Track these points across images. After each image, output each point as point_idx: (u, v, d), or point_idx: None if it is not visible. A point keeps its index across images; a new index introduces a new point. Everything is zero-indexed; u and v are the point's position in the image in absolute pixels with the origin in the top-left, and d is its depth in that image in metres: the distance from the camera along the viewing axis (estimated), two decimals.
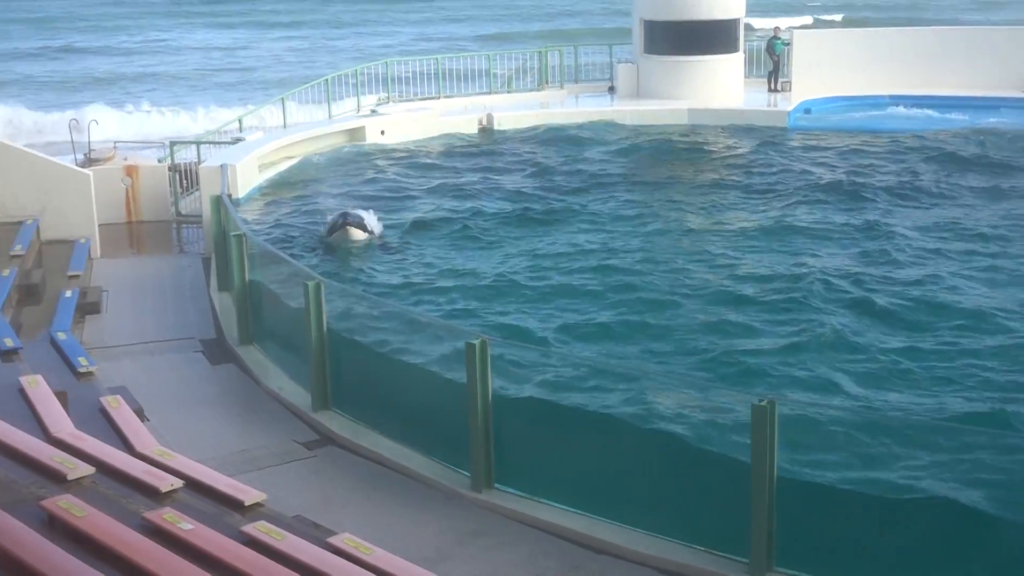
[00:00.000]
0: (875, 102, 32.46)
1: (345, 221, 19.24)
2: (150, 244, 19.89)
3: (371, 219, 19.98)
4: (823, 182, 24.29)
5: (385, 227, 20.46)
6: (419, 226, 20.88)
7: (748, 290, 16.92)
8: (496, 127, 30.23)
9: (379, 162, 26.55)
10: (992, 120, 30.09)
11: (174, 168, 21.58)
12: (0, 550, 6.39)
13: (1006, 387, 13.14)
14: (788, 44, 32.91)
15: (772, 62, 33.35)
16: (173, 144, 22.40)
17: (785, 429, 8.43)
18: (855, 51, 32.92)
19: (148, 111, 45.97)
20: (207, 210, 17.68)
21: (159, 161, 21.97)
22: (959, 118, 30.21)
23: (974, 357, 14.05)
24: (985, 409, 12.35)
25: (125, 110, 45.86)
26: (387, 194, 23.28)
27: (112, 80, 58.73)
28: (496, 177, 25.21)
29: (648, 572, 8.62)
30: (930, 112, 31.03)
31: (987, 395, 12.88)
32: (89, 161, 21.14)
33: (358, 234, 19.31)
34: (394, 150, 27.76)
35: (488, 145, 28.89)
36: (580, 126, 30.31)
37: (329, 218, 19.76)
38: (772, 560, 8.37)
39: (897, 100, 32.23)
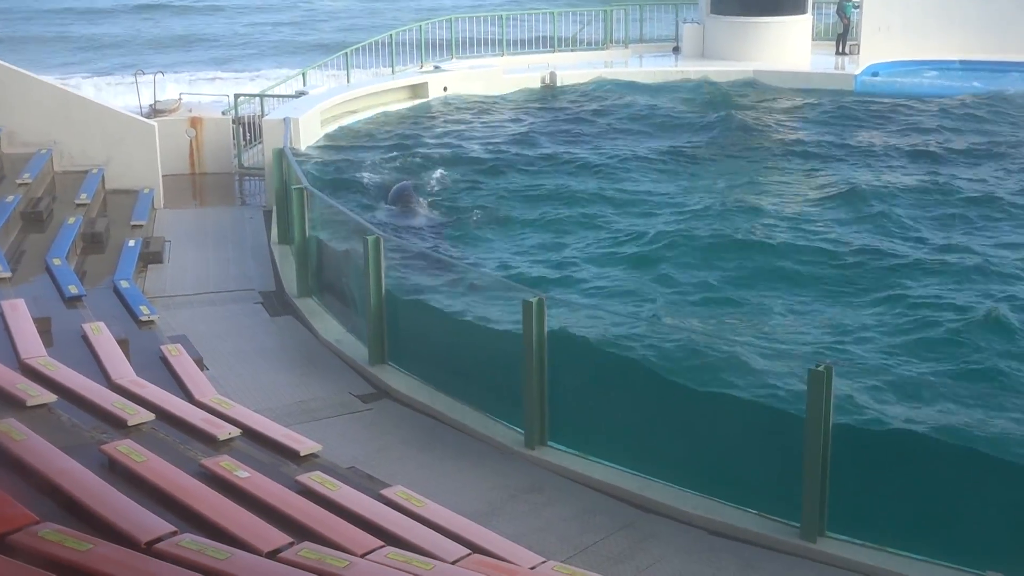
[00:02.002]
0: (945, 66, 31.85)
1: (407, 194, 19.18)
2: (212, 196, 20.07)
3: (436, 178, 19.91)
4: (889, 145, 23.94)
5: (448, 184, 20.45)
6: (479, 184, 20.84)
7: (809, 256, 16.73)
8: (559, 84, 30.04)
9: (441, 119, 26.52)
10: None
11: (237, 121, 21.71)
12: (61, 492, 6.52)
13: None
14: (858, 7, 32.30)
15: (842, 24, 32.77)
16: (237, 97, 22.53)
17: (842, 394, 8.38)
18: (926, 14, 32.21)
19: (211, 78, 46.14)
20: (269, 163, 17.81)
21: (223, 114, 22.10)
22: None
23: None
24: None
25: (188, 72, 46.11)
26: (447, 151, 23.25)
27: (176, 43, 58.80)
28: (559, 134, 25.09)
29: (697, 532, 8.62)
30: (997, 76, 30.41)
31: None
32: (154, 112, 21.32)
33: (419, 206, 19.23)
34: (457, 107, 27.69)
35: (551, 102, 28.74)
36: (644, 86, 30.04)
37: (394, 188, 19.66)
38: (823, 524, 8.34)
39: (968, 65, 31.59)
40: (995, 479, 8.43)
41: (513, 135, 24.88)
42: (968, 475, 8.46)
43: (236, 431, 8.62)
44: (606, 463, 9.63)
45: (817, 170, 22.40)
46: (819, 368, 8.15)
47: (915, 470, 8.53)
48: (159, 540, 5.96)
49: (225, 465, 7.55)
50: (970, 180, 21.20)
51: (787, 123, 27.08)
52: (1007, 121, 26.27)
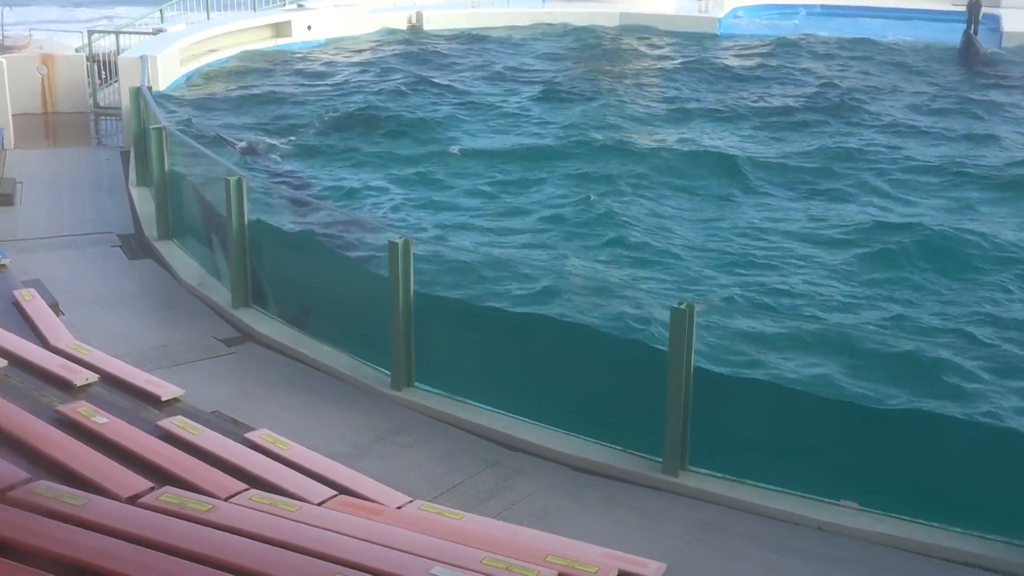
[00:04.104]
0: (807, 10, 32.52)
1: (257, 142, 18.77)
2: (67, 136, 19.39)
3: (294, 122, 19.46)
4: (747, 88, 24.41)
5: (313, 126, 20.13)
6: (341, 127, 20.58)
7: (675, 196, 17.01)
8: (425, 26, 29.79)
9: (304, 59, 26.07)
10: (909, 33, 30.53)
11: (92, 58, 21.00)
12: None
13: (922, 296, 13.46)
14: None
15: None
16: (91, 33, 21.75)
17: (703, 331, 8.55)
18: None
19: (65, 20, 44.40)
20: (126, 102, 17.26)
21: (76, 51, 21.32)
22: (887, 26, 30.52)
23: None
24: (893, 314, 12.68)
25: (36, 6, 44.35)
26: (310, 93, 22.88)
27: None
28: (423, 76, 24.90)
29: (563, 469, 8.74)
30: (856, 20, 31.24)
31: (903, 304, 13.18)
32: (2, 48, 20.46)
33: (275, 151, 18.80)
34: (319, 46, 27.25)
35: (416, 44, 28.47)
36: (510, 28, 29.98)
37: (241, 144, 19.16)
38: (685, 459, 8.53)
39: (829, 9, 32.32)
40: (849, 414, 8.74)
41: (376, 77, 24.62)
42: (822, 410, 8.74)
43: (94, 377, 8.39)
44: (473, 403, 9.68)
45: (674, 112, 22.71)
46: (681, 306, 8.28)
47: (772, 405, 8.76)
48: (12, 488, 5.78)
49: (82, 411, 7.36)
50: (833, 120, 21.79)
51: (650, 65, 27.35)
52: (870, 64, 27.00)
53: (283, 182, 17.21)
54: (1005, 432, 9.56)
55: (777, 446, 8.56)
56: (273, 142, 19.06)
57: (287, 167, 18.37)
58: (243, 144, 18.90)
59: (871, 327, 12.32)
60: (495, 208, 16.34)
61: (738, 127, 21.57)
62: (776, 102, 23.49)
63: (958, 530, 7.72)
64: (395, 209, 16.27)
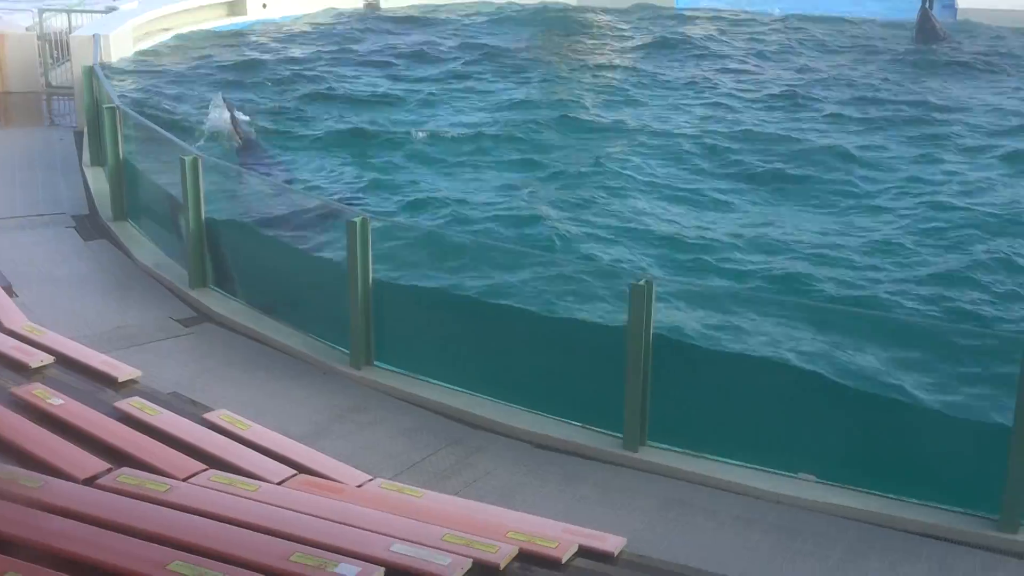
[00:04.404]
0: None
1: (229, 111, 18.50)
2: (18, 116, 19.12)
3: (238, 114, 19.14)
4: (710, 60, 24.52)
5: (260, 113, 19.94)
6: (296, 108, 20.45)
7: (631, 168, 17.04)
8: (383, 4, 29.63)
9: (258, 38, 25.86)
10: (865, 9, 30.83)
11: (43, 37, 20.71)
12: None
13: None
14: None
15: None
16: (42, 12, 21.45)
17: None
18: None
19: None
20: (79, 81, 17.05)
21: (27, 29, 21.02)
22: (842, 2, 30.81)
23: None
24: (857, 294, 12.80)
25: None
26: (265, 74, 22.69)
27: None
28: (377, 57, 24.78)
29: (524, 446, 8.75)
30: None
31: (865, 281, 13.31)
32: None
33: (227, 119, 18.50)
34: (275, 25, 27.03)
35: (372, 23, 28.32)
36: (467, 5, 29.91)
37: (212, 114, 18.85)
38: (644, 435, 8.57)
39: None
40: (807, 387, 8.83)
41: (332, 57, 24.47)
42: (778, 385, 8.82)
43: (50, 358, 8.33)
44: (433, 381, 9.67)
45: (637, 86, 22.76)
46: (641, 283, 8.31)
47: (729, 379, 8.82)
48: None
49: (38, 393, 7.30)
50: (786, 94, 21.91)
51: (609, 40, 27.37)
52: (826, 39, 27.19)
53: (248, 164, 17.04)
54: (960, 405, 9.70)
55: (735, 420, 8.61)
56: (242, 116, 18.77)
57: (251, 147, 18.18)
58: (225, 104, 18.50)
59: (826, 299, 12.42)
60: (454, 188, 16.31)
61: (696, 102, 21.64)
62: (733, 76, 23.59)
63: (915, 501, 7.81)
64: (356, 190, 16.19)
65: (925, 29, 28.80)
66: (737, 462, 8.34)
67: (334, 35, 26.82)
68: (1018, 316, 12.28)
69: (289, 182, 16.05)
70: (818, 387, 8.82)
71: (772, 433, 8.48)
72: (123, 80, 20.35)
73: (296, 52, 24.70)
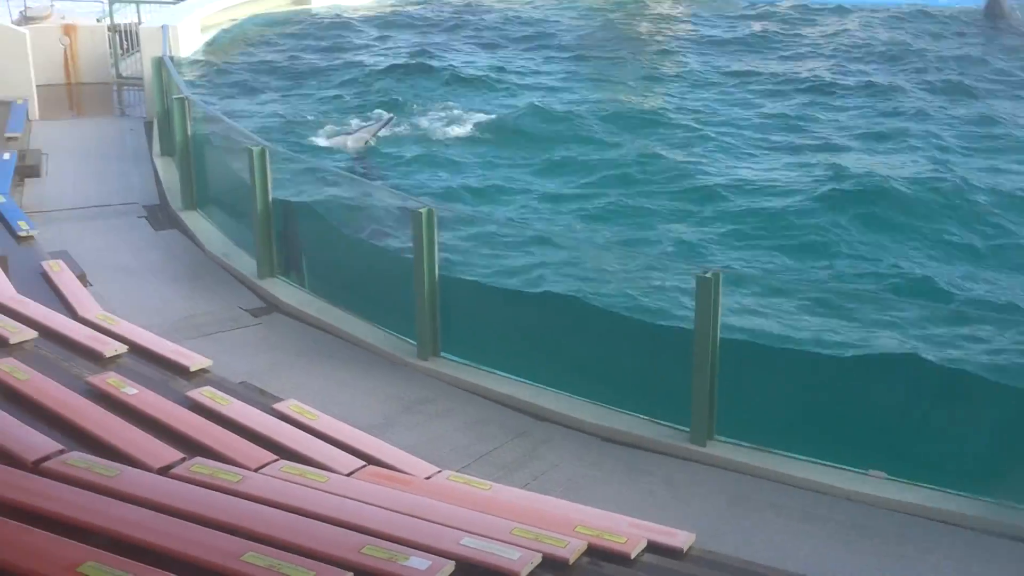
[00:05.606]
0: None
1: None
2: (90, 106, 19.43)
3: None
4: (771, 54, 24.23)
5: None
6: (370, 96, 20.50)
7: (694, 162, 16.92)
8: None
9: (323, 26, 25.97)
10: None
11: (114, 28, 21.01)
12: None
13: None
14: None
15: None
16: (113, 3, 21.74)
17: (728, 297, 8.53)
18: None
19: None
20: (148, 72, 17.28)
21: (98, 21, 21.32)
22: None
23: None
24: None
25: None
26: (331, 61, 22.78)
27: None
28: (441, 44, 24.77)
29: (589, 439, 8.74)
30: None
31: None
32: (25, 20, 20.49)
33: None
34: (339, 13, 27.13)
35: (434, 9, 28.30)
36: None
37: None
38: (712, 429, 8.52)
39: None
40: (876, 381, 8.72)
41: (401, 43, 24.50)
42: (850, 378, 8.72)
43: (123, 348, 8.44)
44: (499, 373, 9.68)
45: (700, 78, 22.56)
46: (707, 275, 8.25)
47: (798, 373, 8.74)
48: (46, 459, 5.84)
49: (112, 382, 7.40)
50: (854, 85, 21.57)
51: (672, 32, 27.16)
52: (893, 27, 26.73)
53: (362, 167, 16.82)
54: None
55: (804, 415, 8.54)
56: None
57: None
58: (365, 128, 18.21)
59: (894, 293, 12.25)
60: (521, 179, 16.27)
61: (759, 92, 21.40)
62: (797, 67, 23.29)
63: (987, 500, 7.69)
64: (428, 177, 16.21)
65: (994, 13, 28.31)
66: (806, 457, 8.26)
67: (398, 22, 26.85)
68: None
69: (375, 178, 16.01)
70: (889, 382, 8.69)
71: (841, 428, 8.39)
72: (191, 70, 20.56)
73: (362, 39, 24.75)
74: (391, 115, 18.08)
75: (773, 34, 26.86)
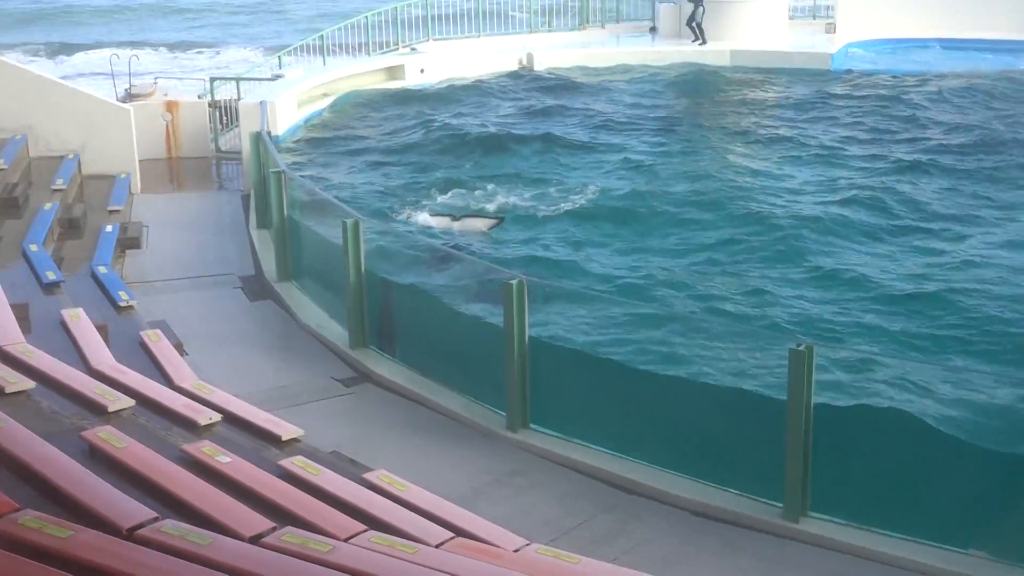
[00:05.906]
0: (922, 44, 31.87)
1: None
2: (190, 180, 19.93)
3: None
4: (864, 127, 24.00)
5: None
6: (465, 170, 20.69)
7: (786, 235, 16.75)
8: (536, 67, 29.97)
9: (417, 101, 26.40)
10: None
11: (214, 104, 21.59)
12: (41, 478, 6.47)
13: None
14: None
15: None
16: (213, 80, 22.38)
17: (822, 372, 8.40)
18: None
19: (184, 52, 45.95)
20: (246, 147, 17.69)
21: (199, 97, 21.95)
22: (1008, 60, 29.71)
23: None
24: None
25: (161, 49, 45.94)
26: (429, 134, 23.10)
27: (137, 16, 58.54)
28: (539, 117, 24.99)
29: (681, 514, 8.63)
30: (977, 55, 30.46)
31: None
32: (130, 96, 21.15)
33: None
34: (433, 89, 27.57)
35: (530, 84, 28.62)
36: (621, 67, 30.02)
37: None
38: (806, 505, 8.36)
39: (945, 43, 31.60)
40: (972, 458, 8.49)
41: (496, 118, 24.76)
42: (949, 454, 8.50)
43: (217, 416, 8.57)
44: (588, 445, 9.62)
45: (791, 149, 22.42)
46: (800, 348, 8.15)
47: (897, 449, 8.55)
48: (141, 526, 5.91)
49: (206, 450, 7.51)
50: (953, 162, 21.20)
51: (764, 103, 27.11)
52: (987, 103, 26.29)
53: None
54: None
55: (903, 491, 8.33)
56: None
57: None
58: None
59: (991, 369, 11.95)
60: (609, 253, 16.28)
61: (854, 165, 21.17)
62: (895, 139, 23.01)
63: None
64: (517, 248, 16.26)
65: None
66: (905, 536, 8.05)
67: (492, 97, 27.16)
68: None
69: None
70: (991, 457, 8.46)
71: (941, 506, 8.17)
72: (287, 145, 21.01)
73: (456, 115, 25.08)
74: (502, 216, 18.05)
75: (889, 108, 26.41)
